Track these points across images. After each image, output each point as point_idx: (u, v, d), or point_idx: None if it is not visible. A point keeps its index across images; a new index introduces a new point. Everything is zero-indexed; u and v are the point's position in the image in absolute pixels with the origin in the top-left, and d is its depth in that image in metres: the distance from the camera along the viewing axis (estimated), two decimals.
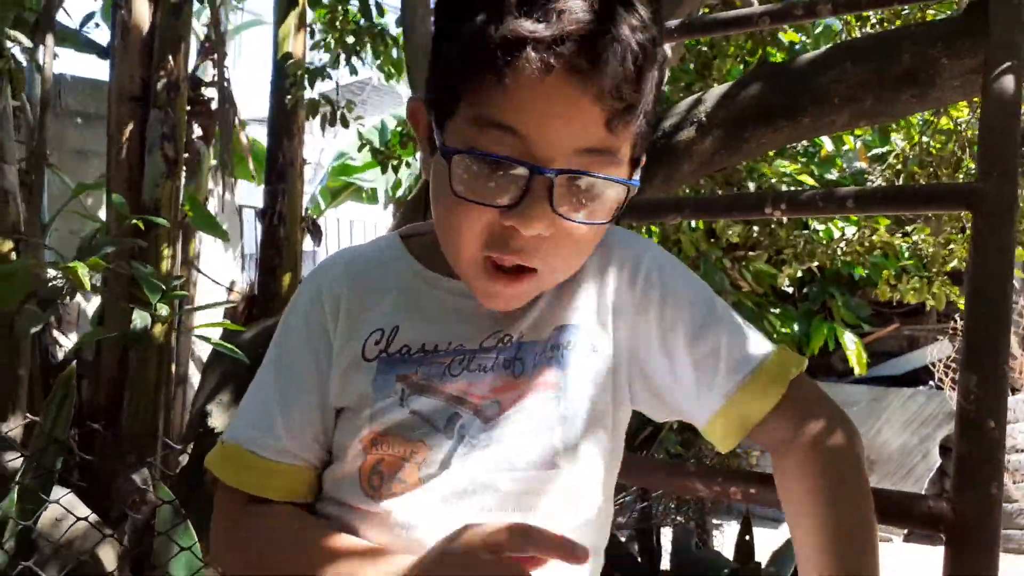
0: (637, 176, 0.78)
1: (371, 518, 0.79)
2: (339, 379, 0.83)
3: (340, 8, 3.55)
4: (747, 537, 3.09)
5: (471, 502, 0.77)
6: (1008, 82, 1.09)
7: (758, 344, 0.87)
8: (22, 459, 1.66)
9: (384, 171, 3.99)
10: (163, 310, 1.60)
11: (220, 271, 5.39)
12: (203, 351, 5.57)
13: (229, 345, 1.62)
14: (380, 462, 0.79)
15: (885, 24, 2.75)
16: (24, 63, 4.17)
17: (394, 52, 3.77)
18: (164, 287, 1.62)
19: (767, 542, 3.27)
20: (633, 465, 1.05)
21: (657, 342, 0.85)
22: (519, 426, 0.79)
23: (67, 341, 4.68)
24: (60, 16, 4.25)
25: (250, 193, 6.30)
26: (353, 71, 3.95)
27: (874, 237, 3.80)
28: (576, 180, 0.71)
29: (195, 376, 5.12)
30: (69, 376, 1.81)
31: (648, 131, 0.77)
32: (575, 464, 0.80)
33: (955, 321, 6.35)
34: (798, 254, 3.81)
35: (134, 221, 1.66)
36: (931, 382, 6.69)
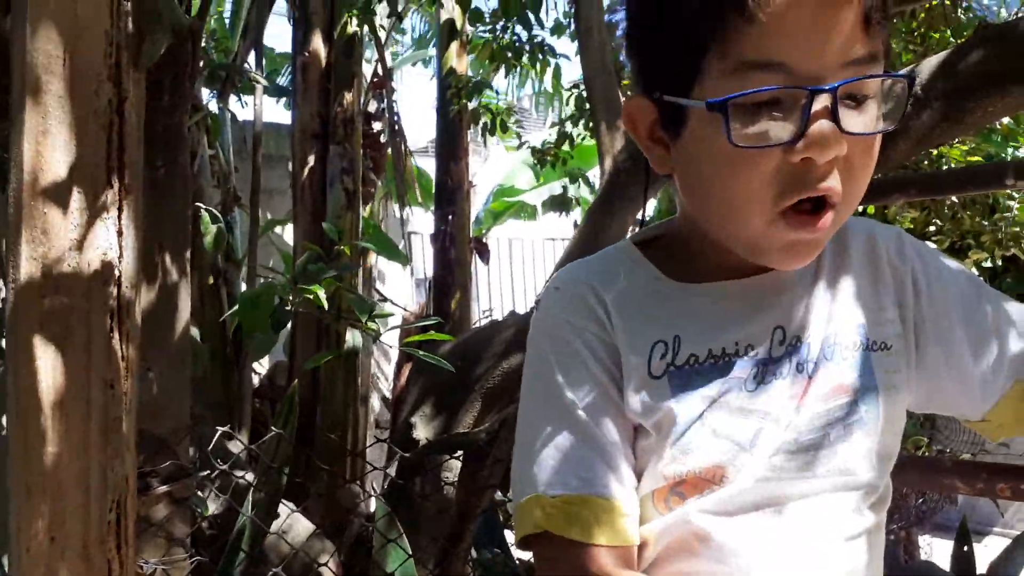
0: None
1: (669, 527, 0.74)
2: (634, 396, 0.75)
3: (499, 24, 3.65)
4: (965, 548, 2.85)
5: (781, 518, 0.73)
6: None
7: None
8: (252, 475, 1.81)
9: (543, 168, 4.06)
10: (373, 327, 1.69)
11: (396, 295, 5.63)
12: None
13: (436, 357, 1.68)
14: (680, 484, 0.73)
15: None
16: (217, 111, 4.54)
17: (551, 62, 3.83)
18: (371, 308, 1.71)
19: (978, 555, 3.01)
20: None
21: (932, 330, 0.79)
22: (818, 433, 0.74)
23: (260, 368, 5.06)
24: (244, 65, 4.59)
25: (417, 220, 6.54)
26: (517, 78, 4.03)
27: None
28: (852, 91, 0.67)
29: (373, 396, 5.37)
30: (293, 394, 1.94)
31: (890, 41, 0.73)
32: (875, 472, 0.76)
33: None
34: (1000, 239, 3.48)
35: (342, 248, 1.77)
36: None
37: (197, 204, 3.42)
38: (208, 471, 1.59)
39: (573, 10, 2.22)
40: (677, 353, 0.75)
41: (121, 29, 1.02)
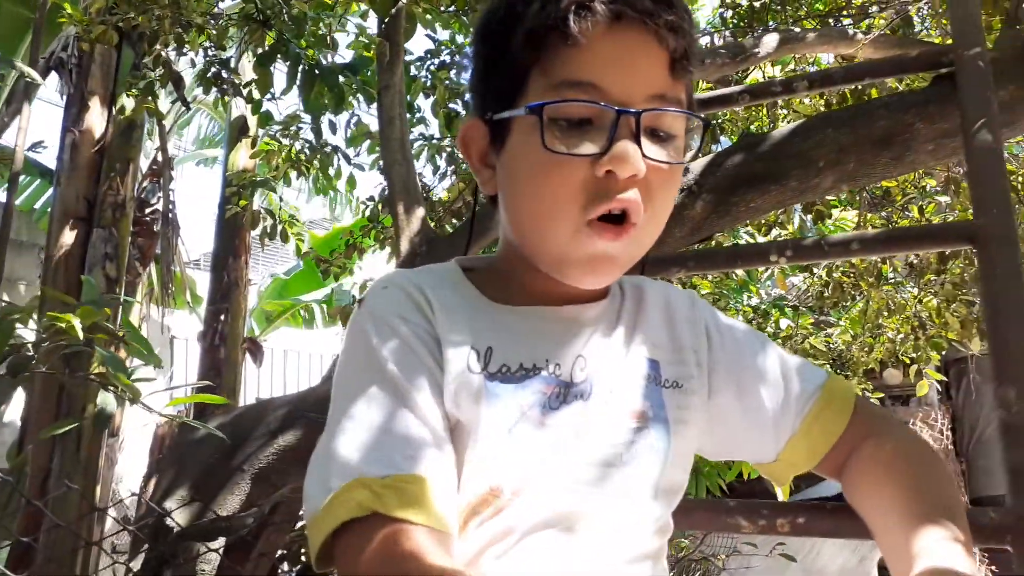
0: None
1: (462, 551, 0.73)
2: (450, 389, 0.75)
3: (291, 128, 3.65)
4: None
5: (568, 536, 0.74)
6: (986, 134, 1.20)
7: (812, 365, 0.91)
8: None
9: (326, 278, 4.00)
10: (133, 390, 1.50)
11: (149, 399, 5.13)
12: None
13: (205, 424, 1.51)
14: (483, 504, 0.73)
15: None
16: None
17: (344, 168, 3.86)
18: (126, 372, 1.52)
19: None
20: None
21: (725, 375, 0.87)
22: (608, 451, 0.77)
23: None
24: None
25: (180, 323, 6.12)
26: (287, 182, 4.01)
27: (805, 343, 4.06)
28: (654, 120, 0.75)
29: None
30: (22, 462, 1.65)
31: (693, 93, 0.82)
32: (659, 500, 0.79)
33: None
34: None
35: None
36: None
37: None
38: None
39: (377, 101, 2.29)
40: (489, 362, 0.77)
41: None
